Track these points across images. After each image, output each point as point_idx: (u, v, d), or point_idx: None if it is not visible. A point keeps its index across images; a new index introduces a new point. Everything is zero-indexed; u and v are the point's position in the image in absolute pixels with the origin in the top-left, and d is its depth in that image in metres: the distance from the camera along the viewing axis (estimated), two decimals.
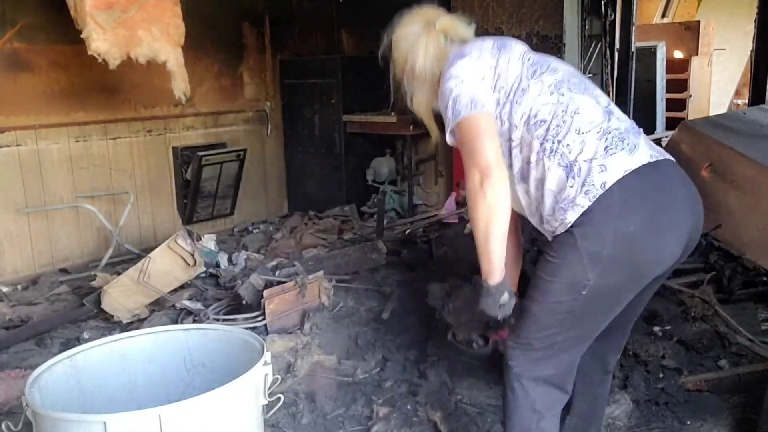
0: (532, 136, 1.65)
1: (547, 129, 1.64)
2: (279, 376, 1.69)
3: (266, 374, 1.66)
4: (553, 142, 1.63)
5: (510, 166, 1.72)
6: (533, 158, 1.65)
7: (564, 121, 1.64)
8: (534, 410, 1.71)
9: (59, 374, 1.74)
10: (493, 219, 1.56)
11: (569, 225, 1.61)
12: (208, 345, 1.92)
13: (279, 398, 1.72)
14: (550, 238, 1.72)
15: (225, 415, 1.54)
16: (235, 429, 1.59)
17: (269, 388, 1.67)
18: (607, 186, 1.57)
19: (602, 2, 6.16)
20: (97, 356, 1.84)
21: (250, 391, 1.63)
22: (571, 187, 1.60)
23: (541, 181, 1.66)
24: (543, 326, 1.68)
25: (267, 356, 1.66)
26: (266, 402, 1.69)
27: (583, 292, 1.60)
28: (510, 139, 1.71)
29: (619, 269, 1.60)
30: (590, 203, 1.57)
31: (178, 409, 1.47)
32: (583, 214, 1.58)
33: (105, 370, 1.86)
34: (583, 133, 1.63)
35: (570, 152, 1.62)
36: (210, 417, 1.52)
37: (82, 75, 4.40)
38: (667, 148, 4.52)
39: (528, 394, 1.70)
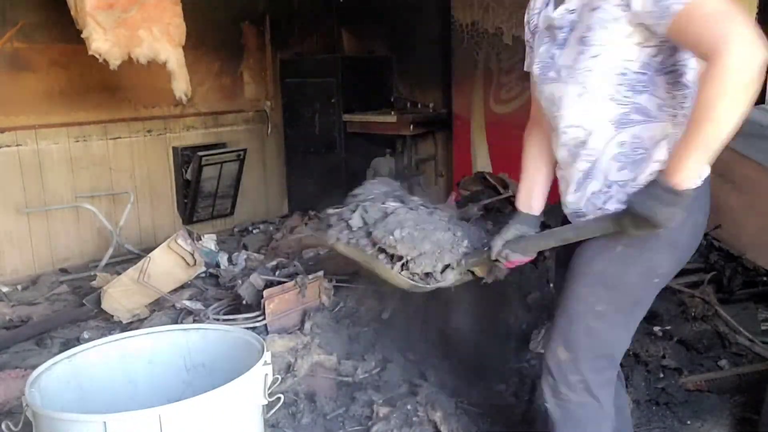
0: (669, 93, 1.45)
1: (685, 96, 1.47)
2: (279, 376, 1.69)
3: (266, 374, 1.65)
4: (684, 114, 1.45)
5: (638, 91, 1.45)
6: (656, 114, 1.45)
7: (695, 93, 1.41)
8: (606, 414, 1.61)
9: (59, 374, 1.73)
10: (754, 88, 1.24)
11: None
12: (208, 345, 1.92)
13: (279, 398, 1.72)
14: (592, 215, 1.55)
15: (225, 415, 1.54)
16: (235, 429, 1.59)
17: (269, 388, 1.66)
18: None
19: None
20: (96, 356, 1.84)
21: (250, 391, 1.63)
22: (663, 163, 1.45)
23: (649, 143, 1.46)
24: (610, 331, 1.56)
25: (267, 356, 1.66)
26: (266, 402, 1.68)
27: (656, 280, 1.53)
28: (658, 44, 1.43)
29: (681, 259, 1.55)
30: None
31: (178, 409, 1.47)
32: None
33: (105, 371, 1.86)
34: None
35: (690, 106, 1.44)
36: (210, 417, 1.52)
37: (82, 75, 4.41)
38: None
39: (600, 402, 1.59)
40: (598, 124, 1.48)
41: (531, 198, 1.79)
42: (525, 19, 1.69)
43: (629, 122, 1.45)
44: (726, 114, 1.24)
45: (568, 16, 1.48)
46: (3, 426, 1.57)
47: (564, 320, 1.60)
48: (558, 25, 1.51)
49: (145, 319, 3.42)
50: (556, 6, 1.53)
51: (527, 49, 1.71)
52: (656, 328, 3.04)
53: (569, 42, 1.48)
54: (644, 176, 1.45)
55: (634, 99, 1.43)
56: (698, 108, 1.27)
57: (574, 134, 1.53)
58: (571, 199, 1.59)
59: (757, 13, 5.94)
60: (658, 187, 1.33)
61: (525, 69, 1.72)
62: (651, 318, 3.09)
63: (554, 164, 1.72)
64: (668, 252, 1.51)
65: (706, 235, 3.66)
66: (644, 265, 1.50)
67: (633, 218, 1.38)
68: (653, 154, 1.45)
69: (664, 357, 2.81)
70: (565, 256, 1.68)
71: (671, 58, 1.43)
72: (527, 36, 1.70)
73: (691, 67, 1.45)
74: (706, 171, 1.47)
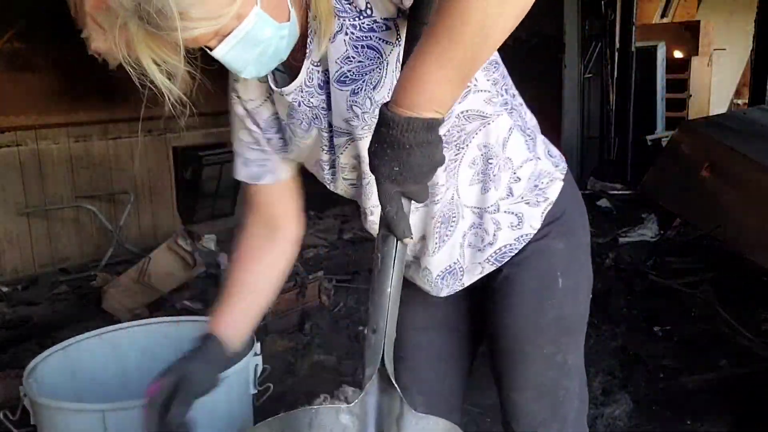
0: (488, 80, 1.08)
1: (503, 75, 1.13)
2: (268, 366, 1.73)
3: (256, 365, 1.70)
4: (510, 95, 1.15)
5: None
6: (489, 111, 1.09)
7: (506, 70, 1.15)
8: None
9: (54, 365, 1.77)
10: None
11: (544, 213, 1.17)
12: None
13: (269, 387, 1.77)
14: (486, 267, 1.18)
15: (217, 404, 1.57)
16: (226, 416, 1.62)
17: (259, 378, 1.71)
18: (563, 157, 1.24)
19: (602, 2, 6.17)
20: (90, 348, 1.87)
21: (241, 381, 1.67)
22: (539, 159, 1.17)
23: (496, 148, 1.12)
24: (582, 374, 1.29)
25: (256, 347, 1.70)
26: (255, 391, 1.73)
27: (590, 296, 1.28)
28: None
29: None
30: (563, 177, 1.20)
31: None
32: (561, 192, 1.19)
33: (98, 362, 1.89)
34: (518, 94, 1.20)
35: (524, 114, 1.19)
36: (203, 406, 1.55)
37: (82, 75, 4.40)
38: (667, 148, 4.55)
39: None
40: None
41: (236, 333, 1.25)
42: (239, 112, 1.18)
43: (468, 135, 1.09)
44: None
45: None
46: (1, 415, 1.60)
47: (541, 405, 1.24)
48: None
49: (145, 319, 3.43)
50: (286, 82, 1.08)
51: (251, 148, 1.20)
52: (656, 328, 3.04)
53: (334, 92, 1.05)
54: (521, 185, 1.14)
55: (456, 108, 1.05)
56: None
57: None
58: (438, 259, 1.18)
59: (757, 13, 5.95)
60: (383, 126, 0.84)
61: (244, 178, 1.22)
62: (651, 318, 3.10)
63: (278, 289, 1.30)
64: (589, 255, 1.27)
65: (706, 235, 3.66)
66: (586, 286, 1.25)
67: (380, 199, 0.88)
68: (510, 155, 1.13)
69: (663, 357, 2.82)
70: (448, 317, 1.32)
71: None
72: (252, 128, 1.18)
73: None
74: (450, 96, 0.86)
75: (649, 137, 6.59)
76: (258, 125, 1.16)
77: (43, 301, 3.86)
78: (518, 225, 1.16)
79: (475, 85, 1.06)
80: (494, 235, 1.16)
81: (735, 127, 4.05)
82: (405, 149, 0.83)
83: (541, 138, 1.21)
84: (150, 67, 1.01)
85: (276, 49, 0.98)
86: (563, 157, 1.24)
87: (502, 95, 1.11)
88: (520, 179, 1.15)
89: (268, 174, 1.21)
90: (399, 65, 1.00)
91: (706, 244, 3.58)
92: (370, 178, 1.11)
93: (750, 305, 3.26)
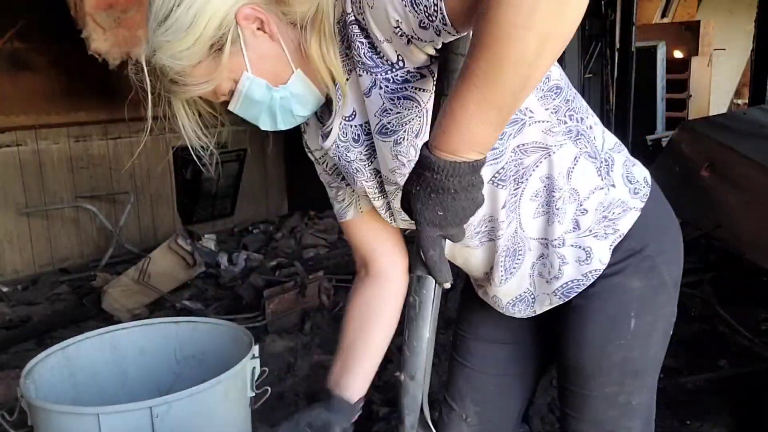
0: (547, 109, 1.03)
1: (566, 100, 1.06)
2: (266, 369, 1.73)
3: (254, 367, 1.69)
4: (576, 121, 1.07)
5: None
6: (549, 142, 1.04)
7: (575, 93, 1.10)
8: None
9: (52, 366, 1.76)
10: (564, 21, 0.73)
11: (612, 246, 1.10)
12: (199, 338, 1.95)
13: (266, 390, 1.76)
14: (554, 299, 1.15)
15: (214, 406, 1.57)
16: (223, 419, 1.62)
17: (257, 381, 1.70)
18: (650, 181, 1.15)
19: (602, 2, 6.17)
20: (89, 348, 1.87)
21: (239, 384, 1.66)
22: (613, 186, 1.10)
23: (560, 179, 1.07)
24: (650, 412, 1.25)
25: (255, 350, 1.69)
26: (253, 394, 1.72)
27: (671, 332, 1.24)
28: None
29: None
30: (642, 205, 1.12)
31: (169, 401, 1.50)
32: (637, 221, 1.11)
33: (97, 362, 1.88)
34: (593, 114, 1.14)
35: (595, 138, 1.10)
36: (200, 409, 1.55)
37: (82, 75, 4.41)
38: (667, 148, 4.54)
39: None
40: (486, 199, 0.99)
41: (349, 376, 1.27)
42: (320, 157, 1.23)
43: (527, 169, 1.06)
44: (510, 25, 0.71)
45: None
46: None
47: None
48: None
49: (145, 319, 3.43)
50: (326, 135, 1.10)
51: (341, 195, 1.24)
52: None
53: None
54: (588, 217, 1.09)
55: (510, 144, 1.03)
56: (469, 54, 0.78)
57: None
58: (506, 289, 1.17)
59: (757, 13, 5.95)
60: (426, 170, 0.82)
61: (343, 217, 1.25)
62: None
63: (388, 333, 1.28)
64: (675, 293, 1.20)
65: (706, 235, 3.66)
66: (662, 327, 1.20)
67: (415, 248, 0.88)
68: (576, 185, 1.08)
69: (664, 357, 2.81)
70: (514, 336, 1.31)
71: None
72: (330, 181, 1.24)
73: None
74: (492, 136, 0.83)
75: (649, 137, 6.59)
76: (326, 171, 1.23)
77: (43, 301, 3.87)
78: (586, 260, 1.10)
79: (531, 117, 1.02)
80: (560, 269, 1.11)
81: (735, 127, 4.04)
82: (450, 194, 0.81)
83: (622, 160, 1.13)
84: (179, 112, 1.20)
85: (284, 109, 1.06)
86: (650, 182, 1.15)
87: (564, 122, 1.05)
88: (587, 211, 1.09)
89: (349, 208, 1.23)
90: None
91: (706, 244, 3.58)
92: None
93: (750, 305, 3.26)
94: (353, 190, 1.20)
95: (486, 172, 0.99)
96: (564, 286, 1.13)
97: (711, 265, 3.48)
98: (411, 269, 0.91)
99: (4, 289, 3.99)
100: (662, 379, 2.65)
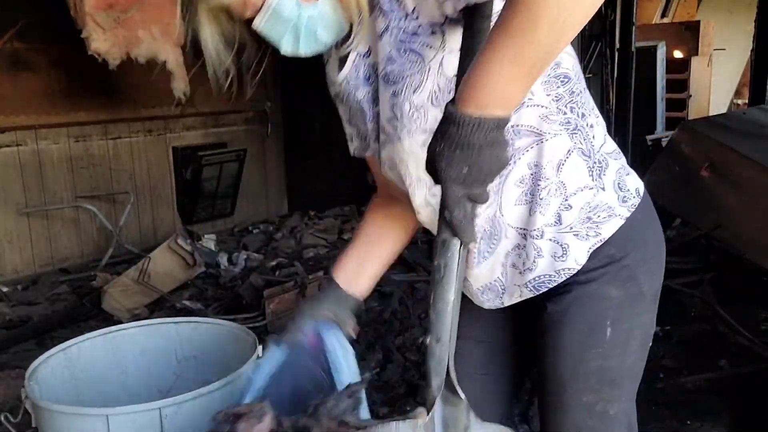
0: (549, 95, 1.03)
1: (571, 92, 1.05)
2: None
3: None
4: (577, 115, 1.06)
5: None
6: (544, 128, 1.03)
7: (583, 87, 1.08)
8: None
9: (54, 366, 1.76)
10: None
11: (591, 249, 1.08)
12: (200, 338, 1.95)
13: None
14: (525, 292, 1.14)
15: (221, 407, 1.57)
16: None
17: None
18: (641, 192, 1.13)
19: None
20: (90, 348, 1.87)
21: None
22: (602, 189, 1.08)
23: (548, 169, 1.06)
24: (631, 418, 1.22)
25: (259, 350, 1.68)
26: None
27: (650, 343, 1.20)
28: None
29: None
30: (629, 214, 1.09)
31: (178, 401, 1.50)
32: (621, 229, 1.09)
33: (97, 362, 1.89)
34: (597, 115, 1.12)
35: (593, 137, 1.08)
36: (208, 409, 1.55)
37: (82, 75, 4.41)
38: (667, 148, 4.54)
39: None
40: None
41: (359, 274, 1.29)
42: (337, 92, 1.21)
43: (516, 151, 1.04)
44: None
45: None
46: (2, 417, 1.60)
47: None
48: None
49: (145, 319, 3.43)
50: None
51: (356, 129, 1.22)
52: (656, 328, 3.04)
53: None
54: (572, 213, 1.07)
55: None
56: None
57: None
58: (478, 274, 1.16)
59: (757, 13, 5.95)
60: (451, 125, 0.82)
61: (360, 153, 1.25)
62: None
63: (404, 239, 1.33)
64: (654, 305, 1.18)
65: (706, 235, 3.66)
66: (639, 336, 1.16)
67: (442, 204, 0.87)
68: (564, 179, 1.06)
69: (663, 357, 2.81)
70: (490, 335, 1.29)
71: None
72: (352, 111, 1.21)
73: (568, 51, 1.05)
74: (520, 94, 0.84)
75: (649, 137, 6.59)
76: (346, 106, 1.21)
77: (43, 301, 3.87)
78: (561, 257, 1.08)
79: (530, 99, 1.01)
80: (534, 261, 1.10)
81: (735, 127, 4.04)
82: (475, 149, 0.81)
83: (616, 167, 1.11)
84: (203, 26, 1.12)
85: (308, 30, 1.04)
86: (641, 194, 1.12)
87: (564, 113, 1.04)
88: (571, 207, 1.07)
89: (367, 147, 1.22)
90: (441, 71, 1.00)
91: (706, 244, 3.58)
92: (412, 179, 1.10)
93: (750, 305, 3.26)
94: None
95: None
96: (535, 279, 1.11)
97: (711, 265, 3.48)
98: (437, 233, 0.90)
99: (4, 289, 3.99)
100: (662, 379, 2.66)
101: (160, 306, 3.57)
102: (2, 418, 1.60)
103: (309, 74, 6.02)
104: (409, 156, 1.07)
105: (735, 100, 8.82)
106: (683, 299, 3.24)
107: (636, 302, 1.13)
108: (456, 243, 0.88)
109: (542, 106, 1.02)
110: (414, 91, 1.00)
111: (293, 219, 5.53)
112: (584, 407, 1.15)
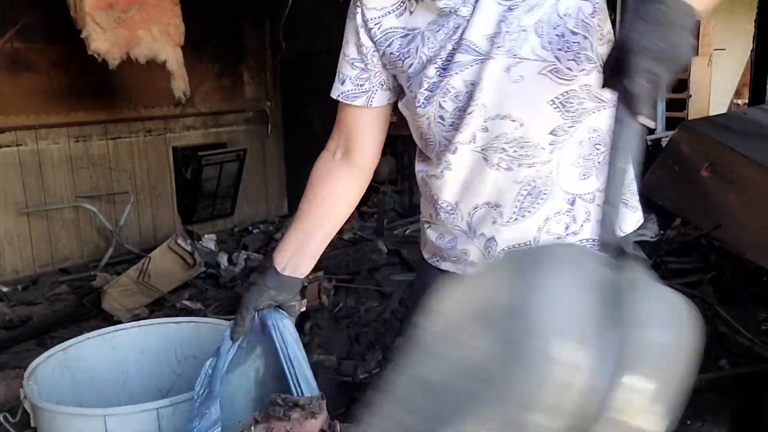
0: None
1: None
2: None
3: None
4: None
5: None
6: (606, 95, 1.09)
7: None
8: None
9: (54, 366, 1.76)
10: None
11: (639, 223, 1.23)
12: (200, 338, 1.95)
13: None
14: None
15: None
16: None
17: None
18: None
19: None
20: (90, 348, 1.87)
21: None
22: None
23: (605, 135, 1.11)
24: None
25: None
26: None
27: None
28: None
29: None
30: None
31: (176, 402, 1.50)
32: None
33: (97, 362, 1.88)
34: None
35: None
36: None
37: (82, 75, 4.41)
38: (667, 148, 4.54)
39: None
40: (539, 114, 1.07)
41: (301, 255, 1.27)
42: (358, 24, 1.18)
43: (583, 112, 1.08)
44: None
45: None
46: (1, 417, 1.60)
47: None
48: None
49: (145, 319, 3.43)
50: None
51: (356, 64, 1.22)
52: None
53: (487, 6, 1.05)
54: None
55: (582, 78, 1.06)
56: None
57: (501, 131, 1.08)
58: (508, 232, 1.14)
59: (757, 13, 5.95)
60: (655, 2, 0.83)
61: (341, 97, 1.27)
62: None
63: (345, 215, 1.31)
64: None
65: (706, 235, 3.66)
66: None
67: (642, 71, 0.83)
68: (603, 132, 1.11)
69: None
70: None
71: None
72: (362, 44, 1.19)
73: None
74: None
75: (649, 137, 6.59)
76: (371, 38, 1.16)
77: (43, 301, 3.86)
78: None
79: (599, 65, 1.04)
80: (581, 225, 1.11)
81: (735, 127, 4.04)
82: (676, 29, 0.81)
83: None
84: None
85: None
86: None
87: None
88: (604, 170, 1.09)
89: (362, 95, 1.21)
90: (557, 5, 1.02)
91: (706, 244, 3.58)
92: (475, 106, 1.07)
93: (750, 305, 3.26)
94: (380, 80, 1.19)
95: (551, 90, 1.04)
96: (579, 243, 1.11)
97: (711, 265, 3.48)
98: (617, 115, 0.89)
99: (4, 289, 3.99)
100: None
101: (160, 306, 3.57)
102: (1, 418, 1.60)
103: (309, 74, 6.02)
104: (489, 78, 1.05)
105: (735, 100, 8.81)
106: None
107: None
108: (633, 123, 0.87)
109: None
110: (527, 11, 1.02)
111: None
112: None
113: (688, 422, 2.44)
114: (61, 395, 1.71)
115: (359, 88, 1.21)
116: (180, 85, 3.95)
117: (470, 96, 1.07)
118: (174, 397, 1.51)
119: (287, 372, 1.26)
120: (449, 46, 1.07)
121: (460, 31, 1.06)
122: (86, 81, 4.44)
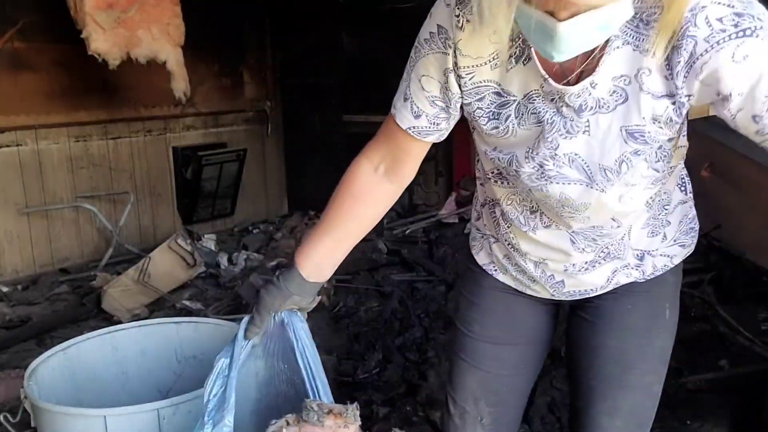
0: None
1: None
2: None
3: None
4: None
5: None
6: (680, 141, 1.10)
7: None
8: None
9: (54, 366, 1.76)
10: None
11: (689, 253, 1.25)
12: (200, 338, 1.95)
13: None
14: (598, 287, 1.23)
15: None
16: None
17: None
18: None
19: None
20: (90, 348, 1.88)
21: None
22: (692, 200, 1.25)
23: (671, 194, 1.19)
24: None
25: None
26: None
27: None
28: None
29: None
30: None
31: (176, 402, 1.50)
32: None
33: (98, 362, 1.89)
34: None
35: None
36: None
37: (82, 75, 4.40)
38: None
39: None
40: (633, 211, 1.14)
41: (329, 263, 1.25)
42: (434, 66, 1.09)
43: (662, 177, 1.13)
44: None
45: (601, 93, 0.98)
46: (1, 417, 1.60)
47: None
48: (574, 104, 0.99)
49: (145, 319, 3.43)
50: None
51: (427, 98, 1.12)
52: None
53: (601, 132, 1.00)
54: (671, 228, 1.20)
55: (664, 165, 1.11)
56: None
57: (594, 224, 1.14)
58: (578, 279, 1.22)
59: None
60: None
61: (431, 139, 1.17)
62: None
63: (373, 226, 1.29)
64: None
65: (706, 235, 3.66)
66: (676, 322, 1.27)
67: None
68: (671, 192, 1.19)
69: None
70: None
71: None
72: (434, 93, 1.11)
73: None
74: None
75: None
76: (460, 87, 1.07)
77: (43, 301, 3.86)
78: (665, 265, 1.22)
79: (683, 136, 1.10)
80: (651, 275, 1.21)
81: None
82: None
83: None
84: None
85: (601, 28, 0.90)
86: None
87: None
88: (670, 223, 1.19)
89: (435, 133, 1.15)
90: (663, 149, 1.04)
91: (706, 244, 3.57)
92: (574, 212, 1.11)
93: (750, 305, 3.26)
94: (456, 120, 1.15)
95: (646, 192, 1.09)
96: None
97: (711, 265, 3.48)
98: None
99: (4, 289, 3.99)
100: None
101: (160, 306, 3.57)
102: (2, 418, 1.60)
103: (309, 74, 6.04)
104: (598, 203, 1.07)
105: None
106: (683, 299, 3.22)
107: (678, 287, 1.26)
108: None
109: (683, 146, 1.13)
110: (647, 163, 1.05)
111: (293, 219, 5.53)
112: (644, 388, 1.23)
113: (689, 422, 2.44)
114: (61, 395, 1.71)
115: (434, 126, 1.14)
116: (180, 85, 3.95)
117: (565, 209, 1.11)
118: (174, 397, 1.51)
119: (306, 376, 1.27)
120: (546, 152, 1.04)
121: (561, 138, 1.03)
122: (86, 81, 4.43)
